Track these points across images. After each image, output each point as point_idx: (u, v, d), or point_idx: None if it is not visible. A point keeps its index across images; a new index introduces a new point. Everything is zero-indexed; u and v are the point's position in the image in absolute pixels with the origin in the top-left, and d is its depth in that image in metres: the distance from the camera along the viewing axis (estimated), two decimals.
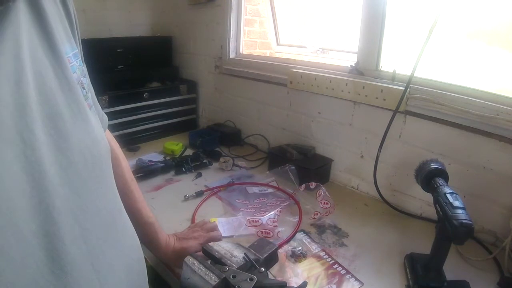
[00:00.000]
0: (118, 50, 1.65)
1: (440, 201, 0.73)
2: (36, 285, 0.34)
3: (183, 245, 0.80)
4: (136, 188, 0.76)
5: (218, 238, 0.86)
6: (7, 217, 0.31)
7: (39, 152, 0.35)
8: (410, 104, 1.03)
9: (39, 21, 0.39)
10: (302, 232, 0.96)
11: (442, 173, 0.84)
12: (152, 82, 1.73)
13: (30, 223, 0.33)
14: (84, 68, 0.49)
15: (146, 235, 0.76)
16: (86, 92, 0.46)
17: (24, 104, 0.34)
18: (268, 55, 1.74)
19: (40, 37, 0.38)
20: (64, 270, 0.36)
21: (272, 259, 0.74)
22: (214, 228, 0.89)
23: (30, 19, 0.37)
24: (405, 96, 1.01)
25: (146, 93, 1.64)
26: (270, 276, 0.75)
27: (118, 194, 0.52)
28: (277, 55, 1.71)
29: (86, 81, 0.48)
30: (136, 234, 0.57)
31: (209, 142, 1.54)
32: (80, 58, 0.47)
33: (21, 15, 0.36)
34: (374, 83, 1.10)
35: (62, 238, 0.36)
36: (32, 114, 0.35)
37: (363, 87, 1.12)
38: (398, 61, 1.11)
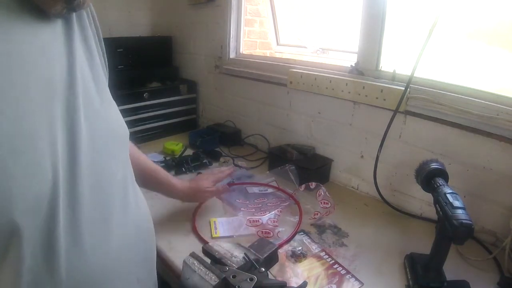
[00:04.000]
0: (118, 50, 1.65)
1: (440, 201, 0.74)
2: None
3: (198, 183, 0.98)
4: (142, 154, 0.87)
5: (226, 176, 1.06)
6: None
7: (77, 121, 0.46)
8: (410, 104, 1.03)
9: (83, 30, 0.51)
10: (302, 232, 0.96)
11: (442, 173, 0.84)
12: (152, 82, 1.73)
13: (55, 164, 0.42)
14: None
15: (161, 178, 0.91)
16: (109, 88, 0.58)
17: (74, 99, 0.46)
18: (268, 55, 1.74)
19: (81, 41, 0.50)
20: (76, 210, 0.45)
21: (272, 259, 0.74)
22: (222, 179, 1.04)
23: (78, 29, 0.50)
24: (405, 96, 1.01)
25: (146, 93, 1.64)
26: (270, 276, 0.75)
27: (131, 169, 0.60)
28: (277, 55, 1.71)
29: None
30: (147, 208, 0.63)
31: (209, 142, 1.54)
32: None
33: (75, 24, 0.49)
34: (374, 83, 1.10)
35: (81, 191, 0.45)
36: (77, 93, 0.47)
37: (363, 87, 1.12)
38: (398, 61, 1.11)
